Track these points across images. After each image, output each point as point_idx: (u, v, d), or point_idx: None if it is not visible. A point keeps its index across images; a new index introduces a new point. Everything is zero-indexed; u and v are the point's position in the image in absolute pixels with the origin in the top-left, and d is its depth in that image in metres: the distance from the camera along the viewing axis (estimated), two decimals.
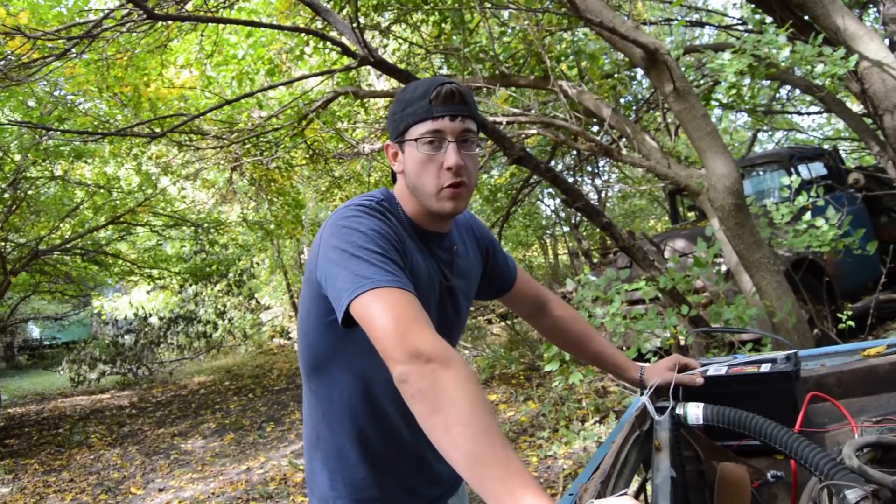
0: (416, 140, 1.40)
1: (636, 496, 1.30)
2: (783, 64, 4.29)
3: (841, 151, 9.55)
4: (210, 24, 5.98)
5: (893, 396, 1.67)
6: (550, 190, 11.57)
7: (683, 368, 1.67)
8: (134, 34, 5.76)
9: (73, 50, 4.77)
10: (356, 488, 1.51)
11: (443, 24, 7.17)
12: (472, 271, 1.67)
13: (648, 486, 1.33)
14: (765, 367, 1.57)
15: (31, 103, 8.73)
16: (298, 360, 1.55)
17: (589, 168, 11.03)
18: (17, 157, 8.99)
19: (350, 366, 1.45)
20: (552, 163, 9.83)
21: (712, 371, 1.62)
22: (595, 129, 7.27)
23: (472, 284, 1.67)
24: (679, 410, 1.42)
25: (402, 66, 7.58)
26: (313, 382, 1.52)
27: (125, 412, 10.85)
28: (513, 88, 6.77)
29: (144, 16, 3.77)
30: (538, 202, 13.69)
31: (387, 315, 1.17)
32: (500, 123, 5.21)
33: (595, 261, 11.16)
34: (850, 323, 4.97)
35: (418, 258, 1.46)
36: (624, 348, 4.25)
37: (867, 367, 1.73)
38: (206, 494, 5.93)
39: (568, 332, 1.85)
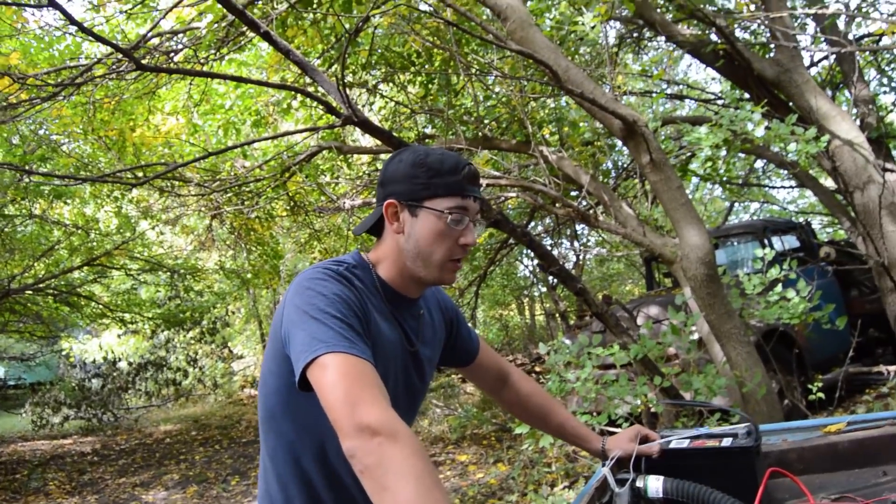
0: (442, 211, 1.42)
1: None
2: (758, 140, 4.43)
3: (814, 225, 9.76)
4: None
5: (853, 474, 1.69)
6: (529, 251, 11.66)
7: (645, 439, 1.68)
8: (123, 80, 5.83)
9: (62, 93, 4.81)
10: None
11: (429, 86, 7.33)
12: (437, 339, 1.68)
13: None
14: (726, 441, 1.59)
15: (15, 140, 8.74)
16: (259, 420, 1.53)
17: (568, 231, 11.15)
18: None
19: (308, 430, 1.44)
20: (531, 224, 9.94)
21: (674, 444, 1.63)
22: (574, 193, 7.40)
23: (436, 352, 1.68)
24: (639, 483, 1.44)
25: (387, 124, 7.71)
26: (270, 443, 1.50)
27: (87, 459, 10.56)
28: (494, 151, 6.89)
29: (133, 65, 3.83)
30: (516, 262, 13.79)
31: (338, 384, 1.16)
32: (480, 186, 5.28)
33: (571, 322, 11.19)
34: (820, 395, 5.02)
35: (383, 325, 1.46)
36: (594, 414, 4.25)
37: (827, 444, 1.75)
38: None
39: (529, 405, 1.86)
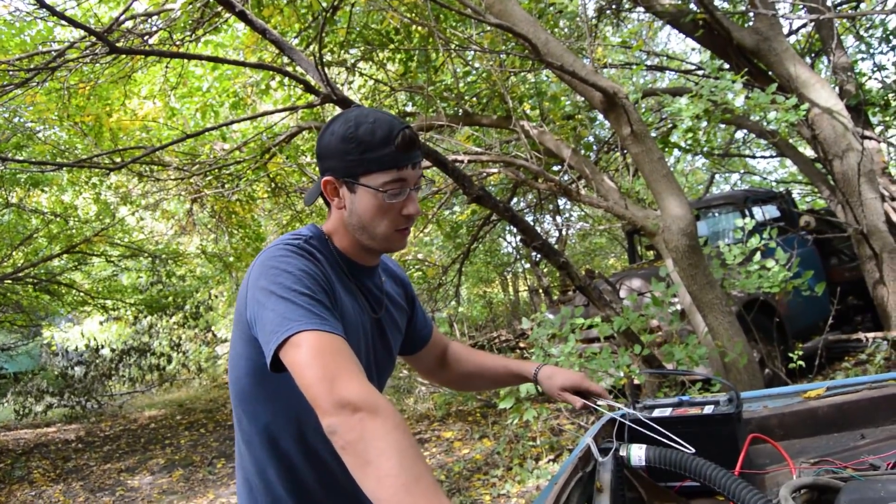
0: (377, 189, 1.37)
1: None
2: (738, 109, 4.44)
3: (794, 194, 9.82)
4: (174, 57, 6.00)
5: (832, 438, 1.72)
6: (512, 227, 11.66)
7: (585, 394, 1.67)
8: (97, 65, 5.74)
9: (35, 79, 4.72)
10: None
11: (408, 63, 7.27)
12: (401, 309, 1.67)
13: None
14: (708, 409, 1.60)
15: None
16: (232, 406, 1.50)
17: (550, 206, 11.16)
18: None
19: (284, 410, 1.41)
20: (514, 200, 9.93)
21: (657, 412, 1.65)
22: (556, 168, 7.40)
23: (400, 321, 1.66)
24: (623, 451, 1.45)
25: (367, 102, 7.66)
26: (245, 429, 1.46)
27: (71, 446, 10.52)
28: (475, 127, 6.87)
29: (107, 49, 3.77)
30: (499, 239, 13.79)
31: (314, 362, 1.15)
32: (462, 162, 5.28)
33: (555, 298, 11.24)
34: (801, 363, 5.09)
35: (347, 296, 1.44)
36: None
37: (807, 409, 1.78)
38: None
39: (467, 366, 1.85)
